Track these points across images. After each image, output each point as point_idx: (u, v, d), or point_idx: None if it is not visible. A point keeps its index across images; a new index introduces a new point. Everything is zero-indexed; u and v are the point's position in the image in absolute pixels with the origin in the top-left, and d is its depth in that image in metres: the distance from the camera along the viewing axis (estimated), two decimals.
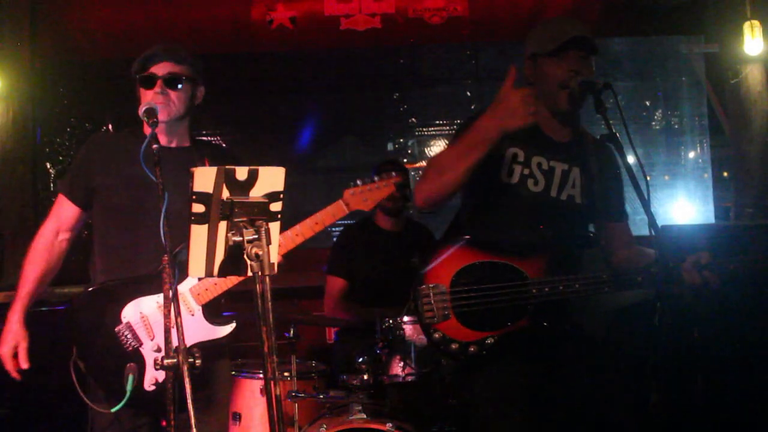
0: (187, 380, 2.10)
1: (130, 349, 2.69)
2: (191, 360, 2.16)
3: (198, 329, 2.71)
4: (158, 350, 2.67)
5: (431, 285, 2.68)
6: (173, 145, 2.91)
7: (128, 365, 2.62)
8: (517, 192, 2.74)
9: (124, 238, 2.81)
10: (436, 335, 2.66)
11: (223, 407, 3.02)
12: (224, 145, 6.11)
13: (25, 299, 2.85)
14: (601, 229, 2.93)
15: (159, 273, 2.67)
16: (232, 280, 2.71)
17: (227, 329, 2.77)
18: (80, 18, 5.70)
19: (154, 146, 2.49)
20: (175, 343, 2.18)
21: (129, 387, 2.57)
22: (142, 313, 2.71)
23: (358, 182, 2.86)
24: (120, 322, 2.70)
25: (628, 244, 2.94)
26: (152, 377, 2.67)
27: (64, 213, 2.92)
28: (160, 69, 2.80)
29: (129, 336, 2.69)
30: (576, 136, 2.84)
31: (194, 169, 1.95)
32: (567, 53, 2.71)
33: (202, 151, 2.94)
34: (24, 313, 2.83)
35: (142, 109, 2.68)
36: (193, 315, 2.71)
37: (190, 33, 5.79)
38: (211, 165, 2.84)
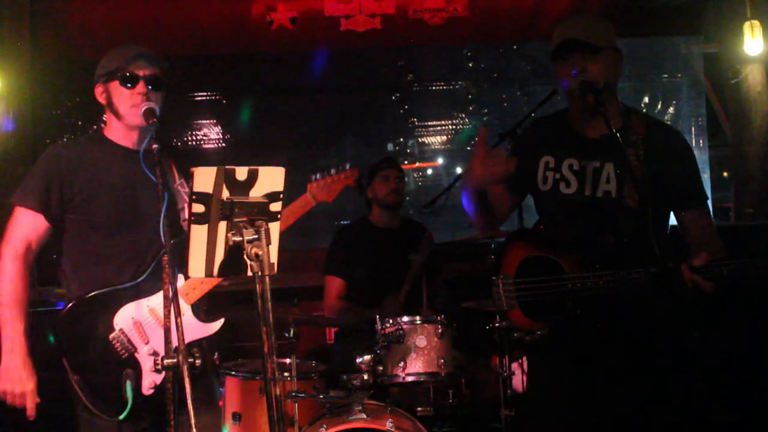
0: (187, 380, 2.10)
1: (126, 355, 2.67)
2: (191, 360, 2.16)
3: (190, 329, 2.70)
4: (154, 354, 2.66)
5: (502, 275, 2.78)
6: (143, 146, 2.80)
7: (125, 372, 2.63)
8: (551, 197, 2.86)
9: (104, 247, 2.76)
10: (504, 323, 2.90)
11: (216, 400, 3.04)
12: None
13: (24, 338, 2.70)
14: (678, 221, 2.93)
15: (144, 278, 2.70)
16: (210, 282, 2.71)
17: (217, 325, 2.78)
18: (80, 17, 5.70)
19: (154, 146, 2.50)
20: (174, 343, 2.18)
21: (129, 393, 2.58)
22: (134, 318, 2.69)
23: (318, 175, 3.00)
24: (113, 329, 2.68)
25: (704, 233, 2.85)
26: (150, 381, 2.66)
27: (33, 229, 2.76)
28: (142, 70, 2.76)
29: (124, 342, 2.68)
30: (616, 129, 2.74)
31: (194, 169, 1.95)
32: (568, 55, 2.73)
33: (169, 151, 2.94)
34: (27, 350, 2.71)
35: (142, 109, 2.68)
36: (183, 315, 2.66)
37: (190, 33, 5.79)
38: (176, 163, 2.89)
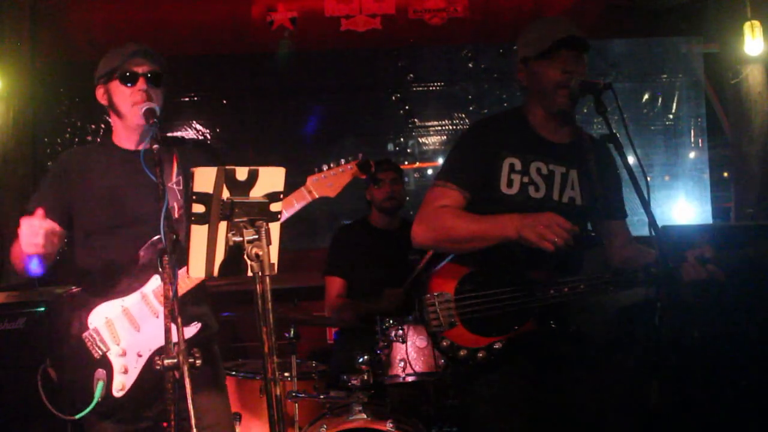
0: (187, 380, 2.10)
1: (98, 355, 2.65)
2: (191, 360, 2.15)
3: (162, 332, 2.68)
4: (123, 355, 2.64)
5: (436, 293, 2.69)
6: (142, 147, 2.80)
7: (97, 371, 2.61)
8: (518, 201, 2.72)
9: (105, 249, 2.76)
10: (444, 343, 2.67)
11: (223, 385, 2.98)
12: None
13: None
14: (600, 227, 2.92)
15: (123, 276, 2.68)
16: (194, 281, 2.64)
17: (192, 330, 2.67)
18: (80, 18, 5.71)
19: (154, 146, 2.49)
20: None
21: (97, 393, 2.56)
22: (107, 318, 2.67)
23: (324, 167, 2.83)
24: (87, 328, 2.67)
25: (628, 242, 2.93)
26: (120, 383, 2.63)
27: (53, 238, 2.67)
28: (141, 67, 2.74)
29: (96, 342, 2.66)
30: (574, 136, 2.82)
31: (194, 169, 1.95)
32: (559, 53, 2.68)
33: (169, 147, 2.88)
34: None
35: (142, 109, 2.66)
36: (157, 317, 2.64)
37: (190, 33, 5.80)
38: (180, 158, 2.84)
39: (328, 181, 2.83)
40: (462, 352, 2.66)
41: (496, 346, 2.64)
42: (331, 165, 2.85)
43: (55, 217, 2.68)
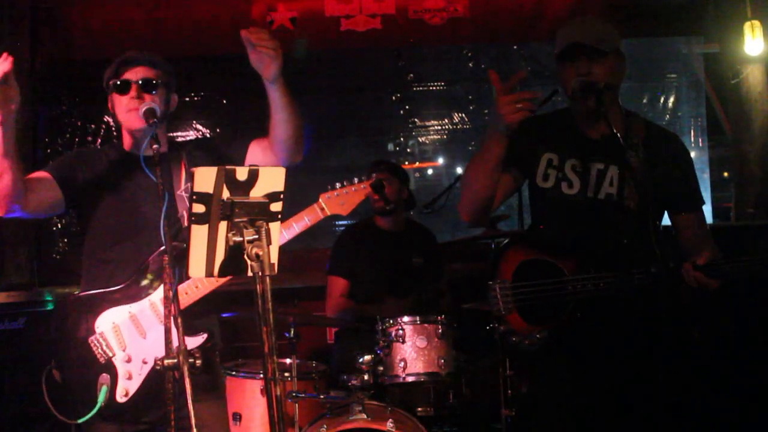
0: (187, 381, 2.10)
1: (103, 360, 2.65)
2: (192, 360, 2.15)
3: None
4: (128, 361, 2.65)
5: (499, 280, 2.78)
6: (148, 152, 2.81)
7: (101, 376, 2.62)
8: (552, 196, 2.82)
9: (109, 252, 2.78)
10: (502, 327, 2.82)
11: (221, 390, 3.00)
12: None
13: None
14: (673, 223, 2.92)
15: (132, 283, 2.69)
16: (203, 290, 2.67)
17: (198, 340, 2.68)
18: (80, 18, 5.70)
19: (154, 147, 2.49)
20: (175, 344, 2.18)
21: (101, 398, 2.57)
22: (114, 323, 2.68)
23: (337, 185, 2.87)
24: (94, 332, 2.68)
25: (696, 236, 2.87)
26: (123, 389, 2.64)
27: (44, 188, 2.75)
28: (134, 74, 2.76)
29: (102, 346, 2.67)
30: (618, 132, 2.77)
31: (195, 169, 1.95)
32: (574, 57, 2.72)
33: (179, 152, 2.91)
34: None
35: (142, 109, 2.67)
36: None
37: (190, 33, 5.79)
38: (187, 163, 2.85)
39: (341, 200, 2.86)
40: (514, 338, 2.78)
41: (539, 335, 2.71)
42: (345, 183, 2.88)
43: (55, 175, 2.77)
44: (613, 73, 2.73)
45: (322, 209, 2.82)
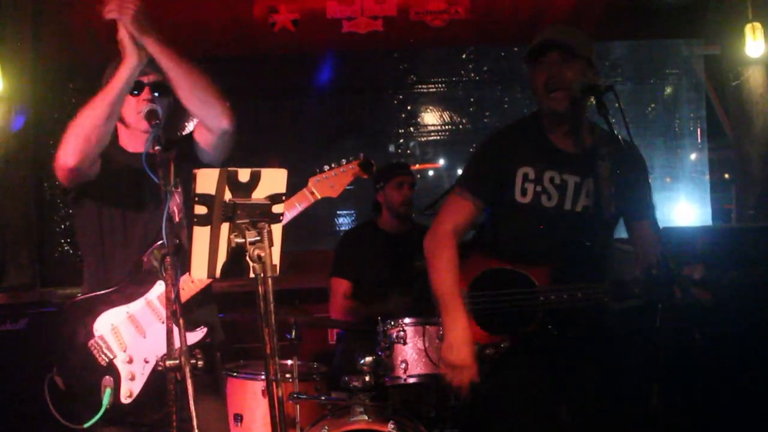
0: (189, 381, 2.10)
1: (105, 363, 2.65)
2: (193, 361, 2.16)
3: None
4: (130, 362, 2.65)
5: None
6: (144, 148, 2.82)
7: (105, 378, 2.61)
8: (531, 210, 2.80)
9: (107, 252, 2.78)
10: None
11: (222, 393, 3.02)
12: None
13: None
14: (629, 231, 2.95)
15: (128, 282, 2.69)
16: (198, 285, 2.66)
17: (199, 335, 2.69)
18: (83, 19, 5.70)
19: (156, 148, 2.49)
20: (176, 345, 2.18)
21: (105, 401, 2.57)
22: (113, 325, 2.68)
23: (325, 167, 2.84)
24: (93, 335, 2.68)
25: (654, 244, 2.90)
26: (127, 390, 2.64)
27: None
28: (146, 76, 2.76)
29: (103, 349, 2.66)
30: (588, 144, 2.83)
31: (196, 170, 1.95)
32: (544, 58, 2.73)
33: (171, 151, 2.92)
34: None
35: (144, 111, 2.67)
36: (163, 323, 2.63)
37: (192, 35, 5.79)
38: (175, 162, 2.86)
39: (330, 182, 2.84)
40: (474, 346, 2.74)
41: (504, 344, 2.70)
42: (333, 165, 2.86)
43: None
44: (582, 79, 2.73)
45: (312, 193, 2.80)
